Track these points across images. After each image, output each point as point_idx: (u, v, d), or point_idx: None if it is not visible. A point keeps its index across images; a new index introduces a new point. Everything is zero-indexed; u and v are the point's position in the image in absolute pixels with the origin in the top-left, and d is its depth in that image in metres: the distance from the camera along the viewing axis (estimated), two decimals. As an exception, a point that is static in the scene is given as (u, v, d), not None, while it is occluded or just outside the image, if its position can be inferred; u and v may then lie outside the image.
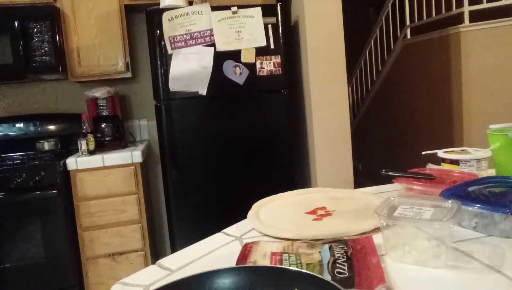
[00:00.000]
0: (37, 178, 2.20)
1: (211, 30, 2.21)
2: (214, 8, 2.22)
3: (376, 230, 0.75)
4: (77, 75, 2.53)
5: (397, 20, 4.44)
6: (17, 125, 2.68)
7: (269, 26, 2.28)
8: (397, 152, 4.51)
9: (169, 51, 2.18)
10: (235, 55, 2.24)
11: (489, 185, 0.82)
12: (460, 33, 3.41)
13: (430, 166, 1.04)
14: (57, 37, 2.40)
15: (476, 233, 0.73)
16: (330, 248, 0.64)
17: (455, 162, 1.01)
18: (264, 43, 2.27)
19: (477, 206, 0.71)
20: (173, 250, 2.33)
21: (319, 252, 0.65)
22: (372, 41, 5.02)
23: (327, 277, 0.56)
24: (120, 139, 2.58)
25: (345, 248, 0.64)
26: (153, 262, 0.75)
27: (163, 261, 0.72)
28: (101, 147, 2.49)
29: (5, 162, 2.28)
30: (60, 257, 2.25)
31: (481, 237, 0.71)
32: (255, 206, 0.95)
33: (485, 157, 1.00)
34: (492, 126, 1.00)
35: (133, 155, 2.36)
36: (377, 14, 4.98)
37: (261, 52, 2.28)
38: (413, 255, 0.62)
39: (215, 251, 0.75)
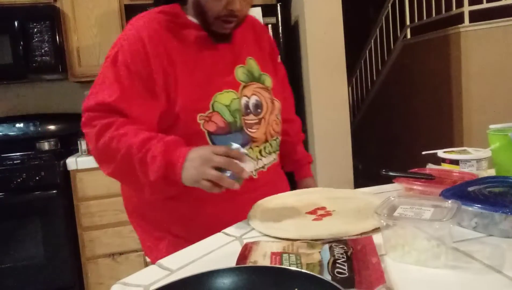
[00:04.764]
0: (37, 178, 2.20)
1: (211, 30, 2.20)
2: (214, 8, 2.22)
3: (376, 230, 0.75)
4: (77, 75, 2.53)
5: (397, 20, 4.44)
6: (17, 125, 2.67)
7: (269, 26, 2.28)
8: (397, 152, 4.51)
9: (169, 51, 2.18)
10: (235, 55, 2.24)
11: (489, 185, 0.82)
12: (460, 33, 3.41)
13: (430, 166, 1.04)
14: (57, 37, 2.40)
15: (476, 233, 0.73)
16: (330, 248, 0.64)
17: (455, 162, 1.01)
18: (264, 43, 2.26)
19: (477, 206, 0.71)
20: (173, 250, 2.32)
21: (319, 252, 0.65)
22: (372, 41, 5.02)
23: (327, 277, 0.56)
24: (120, 139, 2.58)
25: (345, 248, 0.64)
26: (153, 262, 0.75)
27: (163, 261, 0.72)
28: (101, 147, 2.49)
29: (5, 162, 2.27)
30: (60, 257, 2.24)
31: (481, 237, 0.71)
32: (255, 206, 0.95)
33: (485, 157, 1.00)
34: (492, 126, 1.00)
35: (133, 155, 2.35)
36: (377, 14, 4.98)
37: (261, 52, 2.27)
38: (413, 255, 0.62)
39: (215, 251, 0.75)
